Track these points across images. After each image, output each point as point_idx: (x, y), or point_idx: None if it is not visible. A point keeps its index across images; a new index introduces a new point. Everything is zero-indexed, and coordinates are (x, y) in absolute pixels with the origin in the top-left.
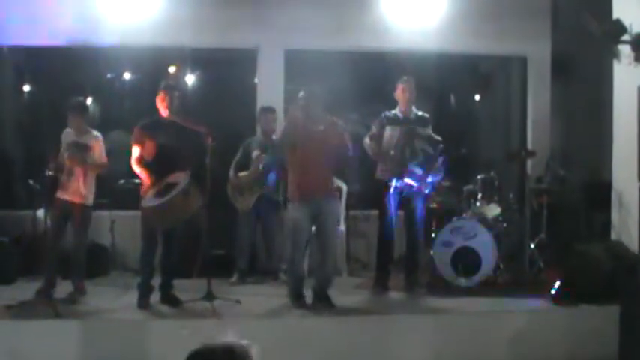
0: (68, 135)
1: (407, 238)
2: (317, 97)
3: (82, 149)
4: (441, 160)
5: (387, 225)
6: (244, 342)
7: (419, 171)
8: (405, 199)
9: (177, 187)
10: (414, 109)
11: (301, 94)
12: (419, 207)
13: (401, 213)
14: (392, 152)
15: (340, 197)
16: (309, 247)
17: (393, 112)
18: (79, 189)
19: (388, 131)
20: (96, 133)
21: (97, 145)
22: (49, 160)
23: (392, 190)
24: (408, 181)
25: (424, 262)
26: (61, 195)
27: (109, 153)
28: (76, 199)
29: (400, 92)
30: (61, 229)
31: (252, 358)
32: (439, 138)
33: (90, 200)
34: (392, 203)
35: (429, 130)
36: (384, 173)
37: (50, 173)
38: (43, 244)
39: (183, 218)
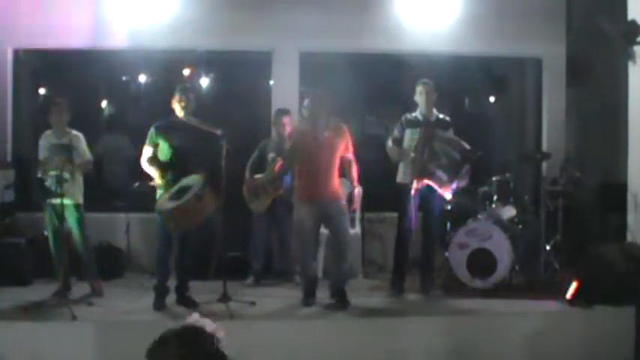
0: (47, 137)
1: (423, 239)
2: (322, 103)
3: (65, 150)
4: (467, 167)
5: (406, 228)
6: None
7: (443, 176)
8: (424, 200)
9: (191, 191)
10: (434, 111)
11: (306, 102)
12: (437, 209)
13: (419, 215)
14: (412, 154)
15: (351, 200)
16: (324, 249)
17: (414, 114)
18: (70, 189)
19: (408, 134)
20: (75, 132)
21: (80, 143)
22: (39, 164)
23: (413, 192)
24: (429, 182)
25: (440, 264)
26: (52, 199)
27: (123, 156)
28: (68, 200)
29: (419, 95)
30: (59, 232)
31: (209, 336)
32: (468, 146)
33: (81, 199)
34: (412, 206)
35: (450, 133)
36: (405, 176)
37: (39, 176)
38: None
39: (198, 221)
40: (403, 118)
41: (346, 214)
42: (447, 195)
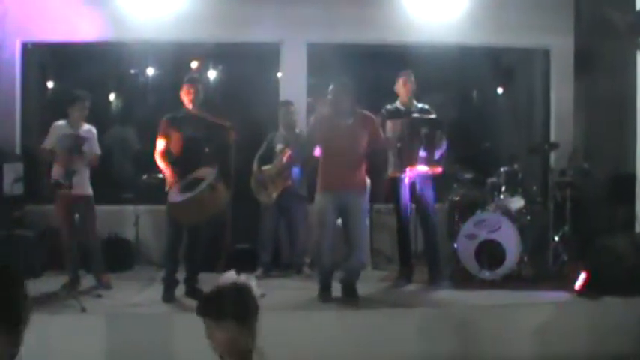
0: (61, 128)
1: (423, 230)
2: (346, 91)
3: (80, 142)
4: (438, 133)
5: (404, 218)
6: (244, 278)
7: (423, 154)
8: (416, 191)
9: (204, 183)
10: (414, 101)
11: (331, 87)
12: (430, 198)
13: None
14: (398, 145)
15: (366, 191)
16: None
17: (394, 105)
18: (81, 181)
19: (389, 125)
20: (89, 125)
21: (93, 137)
22: (43, 152)
23: (406, 182)
24: (419, 169)
25: (448, 255)
26: (65, 191)
27: (131, 148)
28: (81, 192)
29: (401, 85)
30: (72, 224)
31: (253, 291)
32: (433, 116)
33: (91, 191)
34: (405, 196)
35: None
36: (394, 167)
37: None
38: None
39: (210, 214)
40: (384, 109)
41: (365, 207)
42: (438, 169)
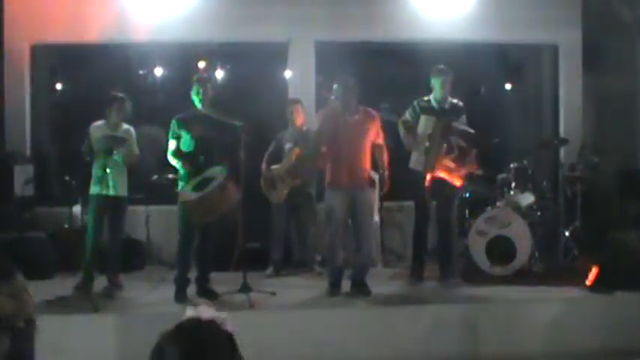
0: (98, 129)
1: (438, 228)
2: (351, 87)
3: (119, 143)
4: (473, 152)
5: (423, 216)
6: (216, 315)
7: (451, 164)
8: (436, 188)
9: (215, 181)
10: (448, 97)
11: (335, 85)
12: (449, 196)
13: (433, 203)
14: (427, 144)
15: (374, 187)
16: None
17: (426, 99)
18: (116, 182)
19: (423, 120)
20: (127, 126)
21: (132, 137)
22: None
23: (427, 181)
24: (441, 174)
25: (459, 252)
26: (99, 190)
27: (142, 149)
28: (115, 193)
29: (440, 84)
30: (100, 224)
31: (225, 331)
32: (472, 131)
33: (126, 192)
34: (427, 193)
35: (463, 119)
36: (419, 163)
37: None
38: (79, 239)
39: (221, 213)
40: (416, 102)
41: (373, 203)
42: (457, 182)
